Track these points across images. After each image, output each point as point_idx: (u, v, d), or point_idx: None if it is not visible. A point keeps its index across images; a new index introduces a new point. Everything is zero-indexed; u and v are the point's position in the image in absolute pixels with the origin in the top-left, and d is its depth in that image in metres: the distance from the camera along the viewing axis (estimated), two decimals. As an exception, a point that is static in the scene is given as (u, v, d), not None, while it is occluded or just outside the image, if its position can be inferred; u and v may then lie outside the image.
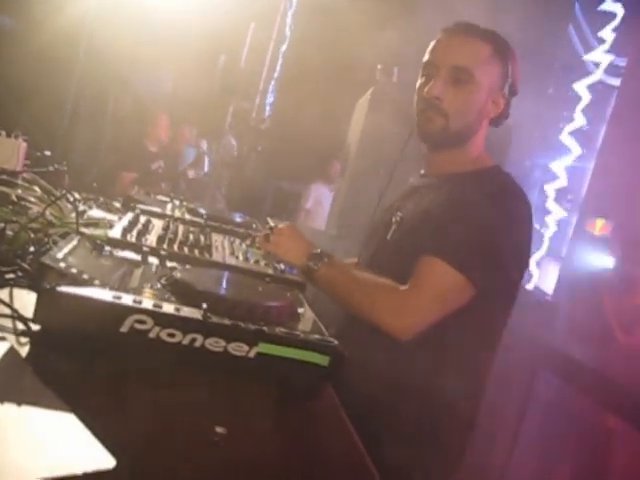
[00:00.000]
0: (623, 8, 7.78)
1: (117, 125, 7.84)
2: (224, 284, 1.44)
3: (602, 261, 6.97)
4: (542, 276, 7.61)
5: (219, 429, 1.02)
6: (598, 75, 7.75)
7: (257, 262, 1.80)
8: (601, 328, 6.63)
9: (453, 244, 1.71)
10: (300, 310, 1.41)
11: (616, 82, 7.54)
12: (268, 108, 9.07)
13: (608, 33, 7.82)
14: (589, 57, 8.15)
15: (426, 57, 1.90)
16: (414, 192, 2.00)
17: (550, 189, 8.17)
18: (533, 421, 3.93)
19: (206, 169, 8.21)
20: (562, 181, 8.06)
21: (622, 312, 6.52)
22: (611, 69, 7.70)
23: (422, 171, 2.05)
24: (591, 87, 7.86)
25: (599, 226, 7.38)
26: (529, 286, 7.47)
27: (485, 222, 1.72)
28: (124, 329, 1.14)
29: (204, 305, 1.20)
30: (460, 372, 1.76)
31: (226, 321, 1.19)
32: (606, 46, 7.86)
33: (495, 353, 1.92)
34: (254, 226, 2.43)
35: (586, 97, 7.82)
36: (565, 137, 8.06)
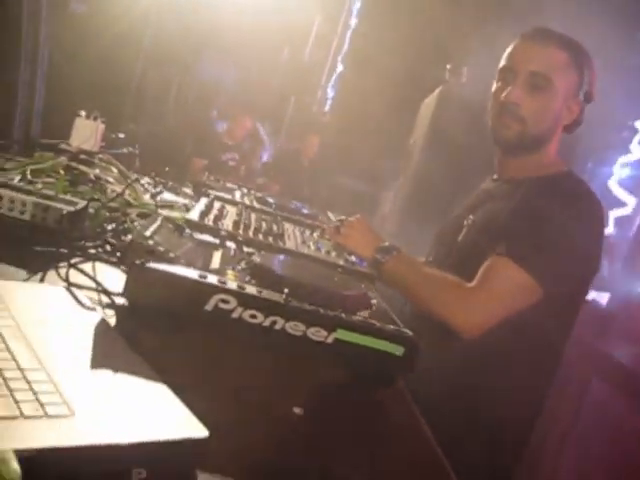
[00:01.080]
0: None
1: (180, 112, 7.97)
2: (302, 271, 1.47)
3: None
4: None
5: (297, 409, 1.06)
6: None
7: (328, 252, 1.83)
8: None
9: (522, 245, 1.72)
10: (374, 301, 1.43)
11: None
12: (328, 103, 9.11)
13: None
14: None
15: (503, 62, 1.91)
16: (486, 197, 2.00)
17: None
18: (585, 428, 3.89)
19: (264, 159, 8.31)
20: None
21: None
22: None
23: (495, 175, 2.05)
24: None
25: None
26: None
27: (556, 225, 1.72)
28: (209, 307, 1.19)
29: (285, 289, 1.24)
30: (525, 380, 1.77)
31: (306, 306, 1.23)
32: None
33: (558, 364, 1.92)
34: (320, 218, 2.47)
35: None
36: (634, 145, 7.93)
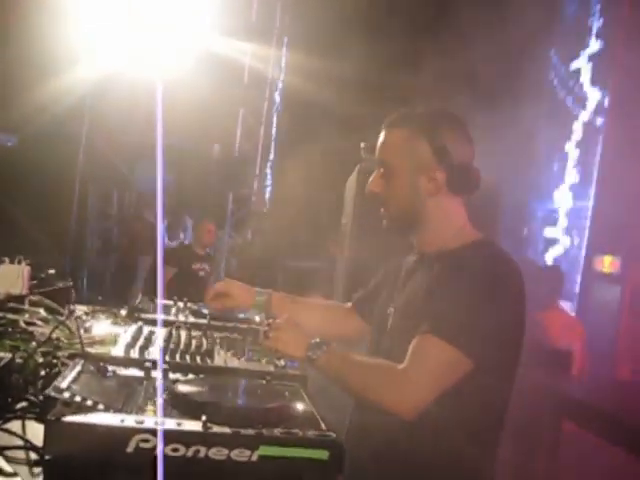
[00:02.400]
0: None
1: (124, 224, 8.04)
2: (224, 391, 1.50)
3: (613, 297, 7.00)
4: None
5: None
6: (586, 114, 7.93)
7: (259, 361, 1.85)
8: (621, 366, 6.63)
9: (444, 320, 1.75)
10: (300, 406, 1.46)
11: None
12: (267, 190, 9.26)
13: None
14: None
15: None
16: (406, 276, 2.04)
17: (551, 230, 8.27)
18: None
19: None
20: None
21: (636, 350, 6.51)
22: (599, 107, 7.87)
23: (415, 250, 2.09)
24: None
25: (607, 263, 7.44)
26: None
27: (473, 295, 1.75)
28: (130, 449, 1.20)
29: (203, 417, 1.26)
30: (464, 448, 1.80)
31: (226, 429, 1.25)
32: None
33: (502, 428, 1.94)
34: (257, 319, 2.50)
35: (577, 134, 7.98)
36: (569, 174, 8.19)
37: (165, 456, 1.21)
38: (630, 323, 6.79)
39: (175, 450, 1.22)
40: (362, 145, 4.06)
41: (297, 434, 1.29)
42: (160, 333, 2.04)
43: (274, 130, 9.08)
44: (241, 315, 2.54)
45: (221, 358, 1.83)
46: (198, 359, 1.78)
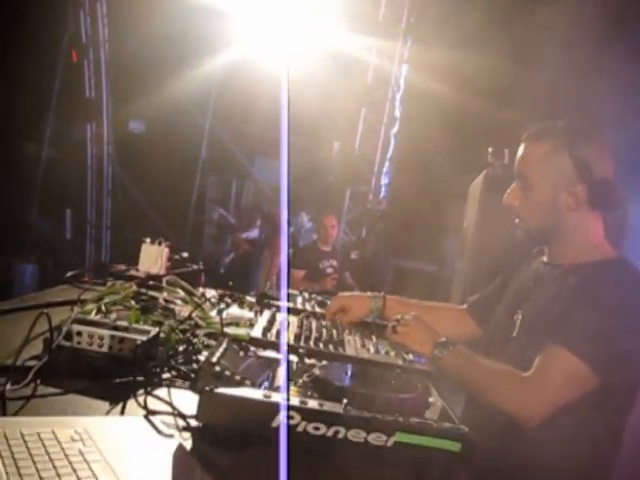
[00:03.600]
0: None
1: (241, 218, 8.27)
2: (361, 379, 1.57)
3: None
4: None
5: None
6: None
7: (387, 353, 1.91)
8: None
9: (577, 333, 1.75)
10: (431, 399, 1.51)
11: None
12: (384, 190, 9.30)
13: None
14: None
15: None
16: (535, 283, 2.05)
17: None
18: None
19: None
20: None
21: None
22: None
23: (545, 258, 2.10)
24: None
25: None
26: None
27: (610, 312, 1.74)
28: (275, 424, 1.29)
29: (344, 400, 1.33)
30: (585, 467, 1.80)
31: (365, 414, 1.32)
32: None
33: (616, 451, 1.93)
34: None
35: None
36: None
37: (307, 434, 1.29)
38: None
39: (317, 429, 1.29)
40: (489, 150, 4.06)
41: (432, 424, 1.34)
42: (293, 320, 2.13)
43: (395, 130, 9.11)
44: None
45: (352, 348, 1.90)
46: (331, 347, 1.85)
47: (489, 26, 6.64)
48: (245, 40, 8.54)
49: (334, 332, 2.03)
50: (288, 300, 2.53)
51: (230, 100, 9.78)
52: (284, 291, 2.81)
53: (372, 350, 1.93)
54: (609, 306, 1.76)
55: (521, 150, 2.00)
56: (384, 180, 9.34)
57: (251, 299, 2.81)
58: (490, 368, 1.84)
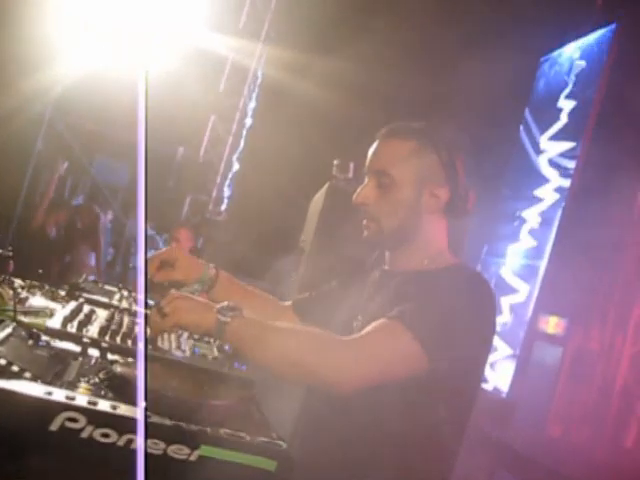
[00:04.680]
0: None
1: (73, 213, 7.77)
2: (168, 380, 1.35)
3: (554, 358, 7.02)
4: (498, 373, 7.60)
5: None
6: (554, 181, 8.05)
7: (204, 357, 1.71)
8: (554, 424, 6.63)
9: (414, 314, 1.61)
10: (249, 409, 1.32)
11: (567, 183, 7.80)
12: (225, 201, 9.08)
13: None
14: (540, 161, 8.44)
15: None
16: (375, 290, 1.91)
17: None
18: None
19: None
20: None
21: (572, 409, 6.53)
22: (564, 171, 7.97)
23: (385, 266, 1.97)
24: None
25: (552, 324, 7.46)
26: (487, 386, 7.45)
27: (449, 305, 1.65)
28: (54, 427, 1.05)
29: (143, 403, 1.12)
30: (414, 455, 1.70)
31: (166, 421, 1.10)
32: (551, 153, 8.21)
33: (455, 445, 1.82)
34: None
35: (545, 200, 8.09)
36: (524, 235, 8.26)
37: (93, 441, 1.06)
38: (567, 386, 6.80)
39: (105, 436, 1.07)
40: (335, 162, 3.96)
41: (244, 438, 1.15)
42: (102, 314, 1.88)
43: (242, 141, 8.94)
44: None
45: (165, 348, 1.68)
46: (140, 345, 1.62)
47: (344, 27, 6.68)
48: (100, 37, 8.11)
49: (148, 330, 1.79)
50: (106, 296, 2.27)
51: (76, 95, 9.25)
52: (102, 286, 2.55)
53: (187, 352, 1.71)
54: (450, 302, 1.65)
55: (379, 146, 1.85)
56: (226, 192, 9.12)
57: (63, 292, 2.52)
58: (298, 329, 1.67)
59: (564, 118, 8.24)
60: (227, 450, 1.11)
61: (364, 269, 2.08)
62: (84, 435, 1.06)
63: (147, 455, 1.08)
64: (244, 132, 8.95)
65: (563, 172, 7.99)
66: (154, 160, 8.53)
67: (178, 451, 1.09)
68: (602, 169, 7.02)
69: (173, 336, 1.87)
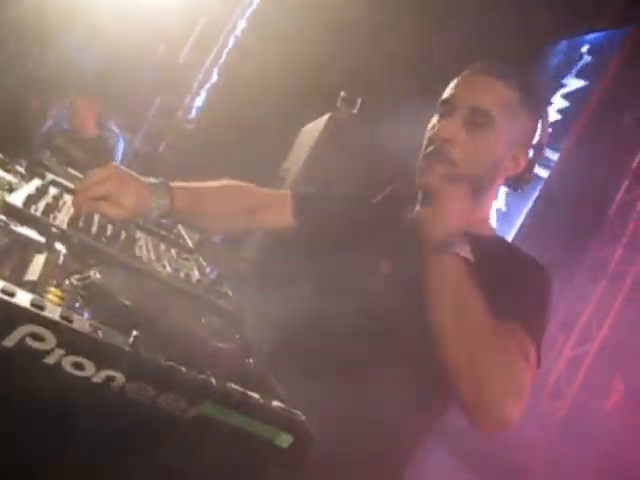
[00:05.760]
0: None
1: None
2: (161, 302, 1.05)
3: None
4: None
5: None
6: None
7: (188, 277, 1.40)
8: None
9: (533, 317, 1.39)
10: (249, 360, 1.04)
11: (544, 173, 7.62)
12: (195, 111, 8.60)
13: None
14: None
15: (445, 94, 1.58)
16: (410, 237, 1.57)
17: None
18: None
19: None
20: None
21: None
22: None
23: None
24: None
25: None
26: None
27: (536, 290, 1.47)
28: (9, 342, 0.75)
29: (134, 331, 0.82)
30: None
31: (162, 361, 0.81)
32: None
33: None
34: (175, 230, 2.03)
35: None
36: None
37: (62, 371, 0.77)
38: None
39: (78, 367, 0.77)
40: (341, 94, 3.63)
41: (257, 400, 0.87)
42: (70, 201, 1.56)
43: (226, 51, 8.42)
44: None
45: (145, 258, 1.37)
46: (117, 247, 1.31)
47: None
48: None
49: (122, 231, 1.48)
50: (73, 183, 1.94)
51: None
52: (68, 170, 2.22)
53: (168, 268, 1.41)
54: (534, 285, 1.46)
55: (476, 80, 1.56)
56: (199, 101, 8.63)
57: (20, 167, 2.17)
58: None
59: (559, 103, 8.02)
60: (235, 413, 0.83)
61: (390, 201, 1.78)
62: (50, 360, 0.76)
63: (129, 401, 0.79)
64: (229, 43, 8.43)
65: (544, 162, 7.79)
66: (130, 53, 8.02)
67: (172, 403, 0.80)
68: (579, 170, 6.86)
69: (151, 244, 1.57)
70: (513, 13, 6.85)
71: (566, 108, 7.92)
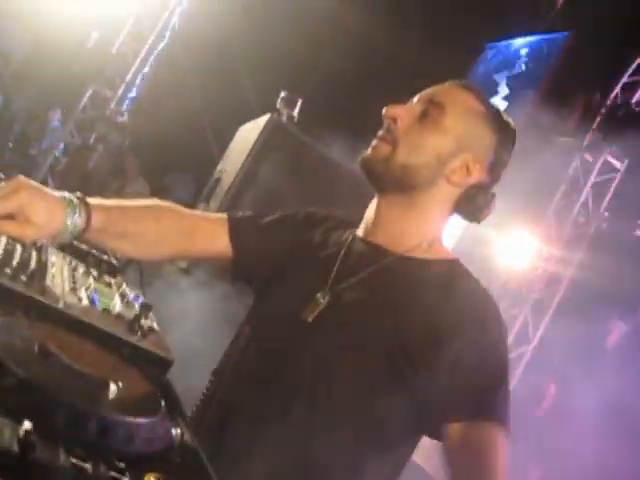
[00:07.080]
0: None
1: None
2: (65, 372, 0.85)
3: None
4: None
5: None
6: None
7: (107, 312, 1.21)
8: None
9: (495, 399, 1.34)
10: (174, 432, 0.87)
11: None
12: (128, 102, 8.28)
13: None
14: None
15: None
16: (355, 260, 1.47)
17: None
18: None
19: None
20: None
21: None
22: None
23: (359, 231, 1.54)
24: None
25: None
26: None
27: (503, 360, 1.40)
28: None
29: (26, 420, 0.64)
30: None
31: (61, 459, 0.64)
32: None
33: None
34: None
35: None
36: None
37: None
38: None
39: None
40: (282, 94, 3.47)
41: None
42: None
43: (162, 44, 8.13)
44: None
45: (57, 289, 1.18)
46: (23, 279, 1.11)
47: None
48: None
49: (33, 255, 1.28)
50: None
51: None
52: None
53: (85, 300, 1.22)
54: (499, 350, 1.39)
55: (449, 86, 1.52)
56: (132, 92, 8.33)
57: None
58: None
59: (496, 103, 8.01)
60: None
61: (320, 219, 1.64)
62: None
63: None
64: (166, 35, 8.15)
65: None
66: (62, 40, 7.67)
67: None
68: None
69: (67, 268, 1.38)
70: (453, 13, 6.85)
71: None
